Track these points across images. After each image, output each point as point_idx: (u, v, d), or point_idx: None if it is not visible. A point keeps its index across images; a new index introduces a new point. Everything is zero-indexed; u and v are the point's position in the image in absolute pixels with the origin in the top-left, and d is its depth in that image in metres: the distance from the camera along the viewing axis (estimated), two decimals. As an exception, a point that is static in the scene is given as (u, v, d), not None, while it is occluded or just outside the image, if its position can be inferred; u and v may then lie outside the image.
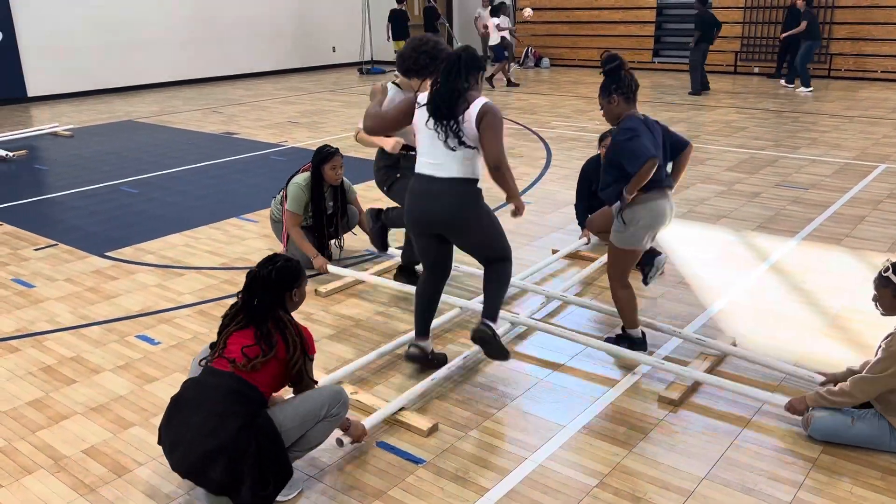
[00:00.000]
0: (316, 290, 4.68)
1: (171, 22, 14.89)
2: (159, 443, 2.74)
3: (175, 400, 2.75)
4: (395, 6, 15.91)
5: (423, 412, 3.35)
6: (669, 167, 3.71)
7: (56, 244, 5.76)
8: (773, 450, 3.06)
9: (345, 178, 5.10)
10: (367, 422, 3.13)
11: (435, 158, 3.35)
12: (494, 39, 14.05)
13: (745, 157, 8.21)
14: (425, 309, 3.67)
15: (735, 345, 3.92)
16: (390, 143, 4.38)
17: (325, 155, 4.88)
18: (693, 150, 3.66)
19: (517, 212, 3.54)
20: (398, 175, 4.47)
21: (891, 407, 2.94)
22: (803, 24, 12.29)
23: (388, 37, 16.12)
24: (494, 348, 3.45)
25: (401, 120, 3.52)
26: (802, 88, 12.58)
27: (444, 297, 3.89)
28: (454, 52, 3.35)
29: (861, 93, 12.53)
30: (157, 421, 3.28)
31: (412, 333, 3.78)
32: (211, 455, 2.57)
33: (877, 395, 2.95)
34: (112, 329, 4.29)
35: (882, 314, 3.03)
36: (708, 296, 4.58)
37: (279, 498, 2.77)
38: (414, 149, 4.21)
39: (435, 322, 3.84)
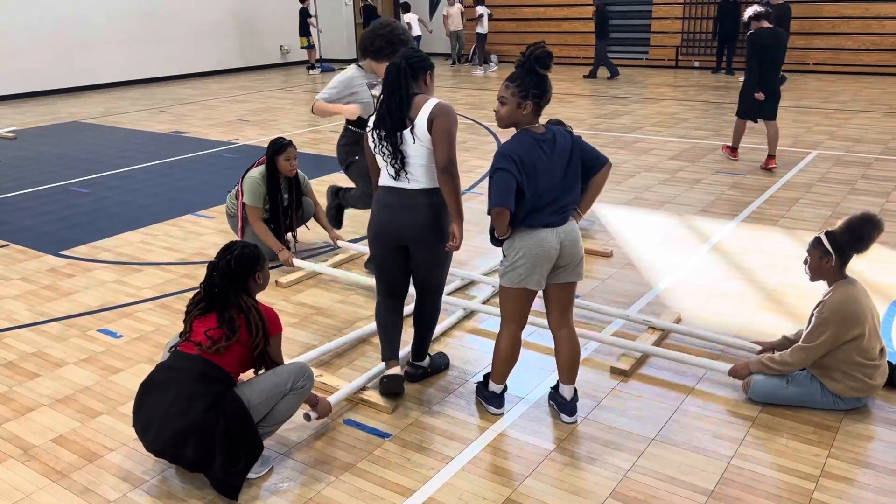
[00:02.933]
0: (277, 281, 4.76)
1: (114, 22, 14.65)
2: (133, 426, 2.81)
3: (145, 384, 2.83)
4: (301, 4, 16.25)
5: (387, 391, 3.48)
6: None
7: (7, 244, 5.70)
8: (715, 412, 3.28)
9: (300, 171, 5.18)
10: (333, 398, 3.26)
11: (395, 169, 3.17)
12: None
13: (688, 146, 8.53)
14: (392, 334, 3.43)
15: (679, 320, 4.15)
16: (350, 110, 4.39)
17: (279, 146, 4.95)
18: (610, 170, 3.05)
19: (452, 241, 3.14)
20: (356, 157, 4.61)
21: (822, 369, 3.18)
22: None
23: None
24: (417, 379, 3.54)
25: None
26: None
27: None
28: (392, 62, 3.14)
29: (794, 84, 13.05)
30: (126, 409, 3.36)
31: (372, 323, 3.87)
32: (181, 435, 2.67)
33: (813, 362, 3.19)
34: (72, 324, 4.30)
35: (809, 279, 3.27)
36: (654, 276, 4.81)
37: (251, 475, 2.87)
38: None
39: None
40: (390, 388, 3.34)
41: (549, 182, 2.90)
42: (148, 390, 2.82)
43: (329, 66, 17.42)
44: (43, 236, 5.89)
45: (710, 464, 2.92)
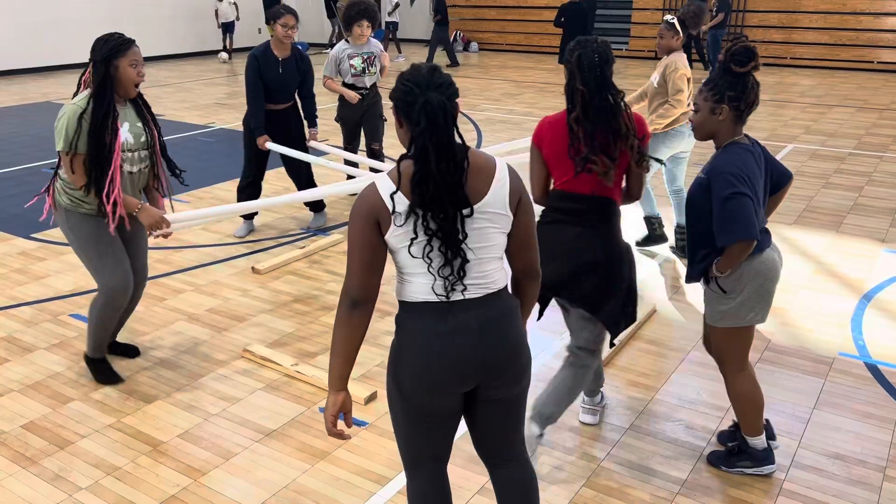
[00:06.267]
0: (253, 268, 4.73)
1: (87, 0, 14.36)
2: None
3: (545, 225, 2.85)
4: None
5: (362, 381, 3.47)
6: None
7: (-23, 226, 5.60)
8: (689, 403, 3.31)
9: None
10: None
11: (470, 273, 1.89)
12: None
13: (665, 138, 8.57)
14: None
15: (655, 311, 4.19)
16: (350, 95, 5.58)
17: (117, 45, 3.21)
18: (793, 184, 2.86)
19: None
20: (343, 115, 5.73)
21: None
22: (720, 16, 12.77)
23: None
24: None
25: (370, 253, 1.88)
26: None
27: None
28: (422, 94, 1.79)
29: (772, 78, 13.17)
30: (97, 395, 3.33)
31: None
32: (588, 267, 2.77)
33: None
34: (44, 309, 4.23)
35: (658, 53, 4.08)
36: (631, 266, 4.85)
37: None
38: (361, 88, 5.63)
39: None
40: None
41: (763, 201, 2.65)
42: (556, 227, 2.84)
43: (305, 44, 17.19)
44: (13, 219, 5.78)
45: (683, 454, 2.96)
